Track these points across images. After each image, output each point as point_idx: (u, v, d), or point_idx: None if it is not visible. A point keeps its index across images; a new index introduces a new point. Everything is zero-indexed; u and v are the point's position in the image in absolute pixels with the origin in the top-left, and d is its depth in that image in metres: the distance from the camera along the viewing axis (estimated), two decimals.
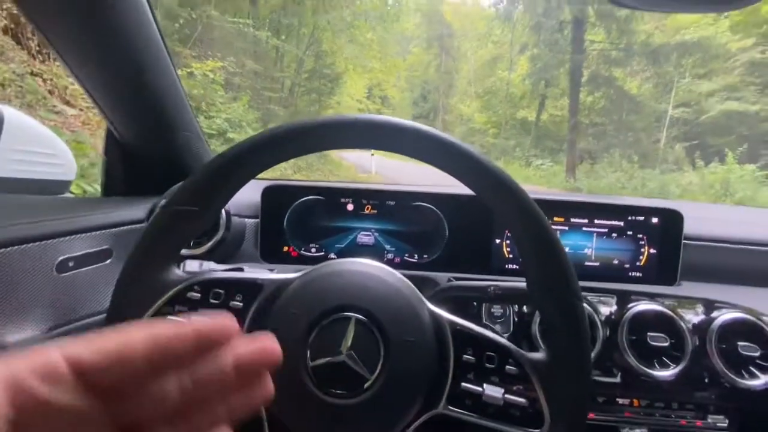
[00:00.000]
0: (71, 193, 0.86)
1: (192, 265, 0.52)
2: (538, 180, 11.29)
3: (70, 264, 0.58)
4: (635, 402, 0.67)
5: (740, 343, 0.64)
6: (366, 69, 13.02)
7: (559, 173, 11.73)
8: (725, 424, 0.66)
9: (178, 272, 0.41)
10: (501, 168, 0.38)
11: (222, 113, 6.29)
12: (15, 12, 3.59)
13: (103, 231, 0.63)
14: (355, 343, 0.37)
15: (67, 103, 3.82)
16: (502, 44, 17.42)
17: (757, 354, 0.63)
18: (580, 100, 12.94)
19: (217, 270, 0.49)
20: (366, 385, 0.36)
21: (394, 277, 0.42)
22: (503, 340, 0.40)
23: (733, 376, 0.62)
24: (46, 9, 0.58)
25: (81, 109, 3.86)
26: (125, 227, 0.66)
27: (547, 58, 13.31)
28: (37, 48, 3.89)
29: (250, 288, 0.41)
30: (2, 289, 0.50)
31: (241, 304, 0.40)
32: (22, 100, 3.29)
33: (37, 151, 0.72)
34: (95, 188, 2.22)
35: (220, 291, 0.40)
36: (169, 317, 0.37)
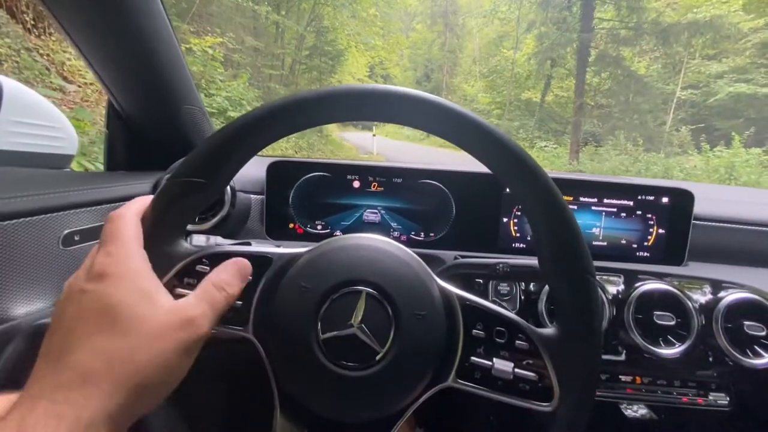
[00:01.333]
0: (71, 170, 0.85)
1: (199, 239, 0.51)
2: (541, 162, 10.88)
3: (76, 238, 0.57)
4: (637, 379, 0.68)
5: (746, 323, 0.64)
6: (368, 46, 12.75)
7: (563, 155, 11.62)
8: (726, 402, 0.67)
9: (186, 245, 0.40)
10: (514, 141, 0.37)
11: (222, 91, 6.20)
12: None
13: (108, 205, 0.62)
14: (366, 317, 0.37)
15: (65, 79, 3.76)
16: (508, 22, 16.94)
17: (763, 333, 0.63)
18: (586, 80, 12.69)
19: (224, 244, 0.49)
20: (377, 358, 0.36)
21: (404, 252, 0.42)
22: (513, 316, 0.40)
23: (738, 355, 0.63)
24: None
25: (79, 86, 3.81)
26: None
27: (555, 36, 12.96)
28: (32, 22, 3.80)
29: (260, 261, 0.41)
30: (9, 261, 0.50)
31: (250, 277, 0.40)
32: (20, 76, 3.23)
33: (38, 124, 0.71)
34: (96, 166, 2.20)
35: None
36: (177, 290, 0.37)
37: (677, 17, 11.40)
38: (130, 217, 0.35)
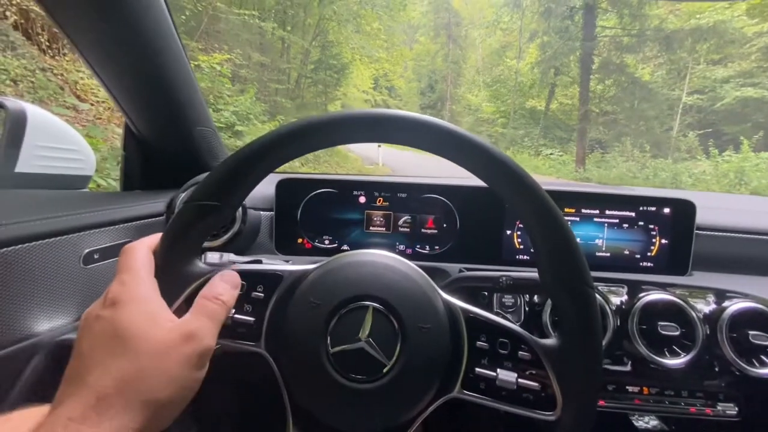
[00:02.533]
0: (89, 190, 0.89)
1: (213, 257, 0.53)
2: (548, 170, 11.16)
3: (96, 256, 0.60)
4: (645, 390, 0.68)
5: (751, 332, 0.64)
6: (372, 59, 12.92)
7: (569, 163, 11.59)
8: (735, 412, 0.67)
9: (200, 264, 0.42)
10: (511, 158, 0.39)
11: (230, 106, 6.31)
12: (25, 7, 3.62)
13: (126, 224, 0.65)
14: (373, 331, 0.38)
15: (78, 98, 3.87)
16: (510, 32, 17.12)
17: None
18: (591, 88, 12.71)
19: (237, 261, 0.51)
20: (384, 371, 0.38)
21: (408, 267, 0.43)
22: (516, 327, 0.41)
23: (743, 365, 0.63)
24: (66, 5, 0.59)
25: (92, 104, 3.91)
26: (146, 220, 0.68)
27: (557, 45, 13.05)
28: (47, 43, 3.93)
29: (271, 279, 0.43)
30: (33, 280, 0.52)
31: (262, 294, 0.42)
32: (34, 96, 3.33)
33: (59, 147, 0.75)
34: (108, 182, 2.25)
35: (242, 282, 0.42)
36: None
37: (680, 23, 11.43)
38: (141, 249, 0.38)
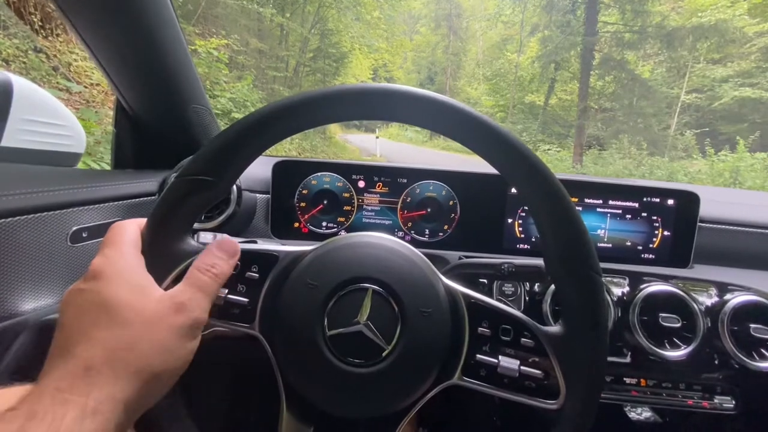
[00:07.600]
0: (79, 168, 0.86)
1: (206, 237, 0.51)
2: None
3: (84, 234, 0.58)
4: (643, 382, 0.68)
5: (752, 326, 0.64)
6: (372, 49, 12.78)
7: (566, 159, 11.60)
8: (732, 405, 0.67)
9: (192, 242, 0.40)
10: (522, 142, 0.37)
11: (226, 92, 6.23)
12: None
13: (116, 203, 0.63)
14: (372, 314, 0.37)
15: (72, 80, 3.79)
16: (512, 25, 16.99)
17: None
18: (590, 84, 12.67)
19: None
20: (383, 355, 0.36)
21: (410, 250, 0.42)
22: (518, 313, 0.40)
23: (743, 358, 0.62)
24: None
25: (86, 86, 3.84)
26: (137, 199, 0.66)
27: (559, 40, 12.96)
28: (40, 23, 3.84)
29: (266, 259, 0.41)
30: (18, 257, 0.50)
31: (257, 274, 0.40)
32: (27, 77, 3.26)
33: (47, 122, 0.72)
34: (101, 166, 2.21)
35: (237, 261, 0.40)
36: None
37: (682, 21, 11.38)
38: (129, 225, 0.37)
